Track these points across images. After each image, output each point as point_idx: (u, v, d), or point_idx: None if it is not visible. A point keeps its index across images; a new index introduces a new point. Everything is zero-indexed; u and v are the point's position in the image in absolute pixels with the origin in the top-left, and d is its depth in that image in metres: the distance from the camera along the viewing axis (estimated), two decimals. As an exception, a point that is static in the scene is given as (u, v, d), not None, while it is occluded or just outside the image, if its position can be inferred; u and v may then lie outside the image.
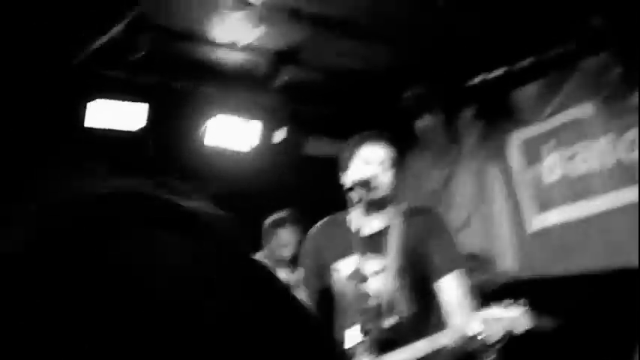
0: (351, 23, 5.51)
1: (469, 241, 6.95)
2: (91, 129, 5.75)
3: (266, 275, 0.64)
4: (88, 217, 0.58)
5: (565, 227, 6.36)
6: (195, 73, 6.15)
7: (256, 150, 6.59)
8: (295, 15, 5.29)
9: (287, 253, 5.25)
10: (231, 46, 5.75)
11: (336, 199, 3.40)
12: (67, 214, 0.59)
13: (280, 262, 5.28)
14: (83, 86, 5.76)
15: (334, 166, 3.45)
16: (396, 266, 3.17)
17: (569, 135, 6.35)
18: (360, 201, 3.12)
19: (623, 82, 5.78)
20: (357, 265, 3.20)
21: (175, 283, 0.56)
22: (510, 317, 2.62)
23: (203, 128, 6.23)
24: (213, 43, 5.71)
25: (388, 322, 3.15)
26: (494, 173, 7.08)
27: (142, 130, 5.97)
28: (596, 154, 6.10)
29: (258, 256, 5.33)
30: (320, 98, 6.78)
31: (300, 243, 5.26)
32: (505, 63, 6.44)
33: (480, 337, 2.65)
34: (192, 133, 6.32)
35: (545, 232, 6.54)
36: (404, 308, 3.17)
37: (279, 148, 6.78)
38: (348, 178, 3.21)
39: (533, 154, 6.67)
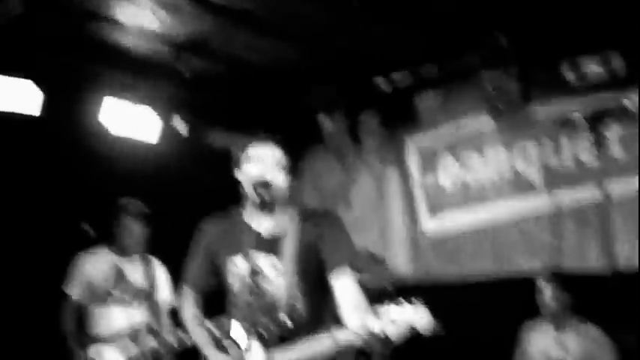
0: (260, 18, 5.49)
1: (365, 241, 7.06)
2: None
3: None
4: None
5: (458, 233, 6.56)
6: (96, 55, 5.99)
7: (158, 139, 6.50)
8: (203, 4, 5.22)
9: (134, 242, 5.20)
10: (137, 31, 5.64)
11: (235, 192, 3.39)
12: None
13: (128, 250, 5.22)
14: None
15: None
16: (292, 264, 3.18)
17: (467, 144, 6.56)
18: (257, 200, 3.12)
19: (519, 97, 6.02)
20: (253, 262, 3.19)
21: None
22: (412, 315, 2.66)
23: (105, 114, 6.09)
24: (118, 27, 5.57)
25: (284, 319, 3.16)
26: (392, 176, 7.23)
27: (41, 113, 5.80)
28: (491, 163, 6.31)
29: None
30: (224, 90, 6.74)
31: (145, 236, 5.26)
32: (409, 69, 6.58)
33: (381, 335, 2.68)
34: (93, 119, 6.17)
35: (438, 237, 6.73)
36: (300, 306, 3.18)
37: (181, 138, 6.71)
38: (245, 176, 3.20)
39: (430, 160, 6.85)
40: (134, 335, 5.06)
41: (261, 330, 3.17)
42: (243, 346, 3.00)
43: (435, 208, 6.78)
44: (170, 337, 4.97)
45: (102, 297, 5.08)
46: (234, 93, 6.80)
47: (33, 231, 5.98)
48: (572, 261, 5.62)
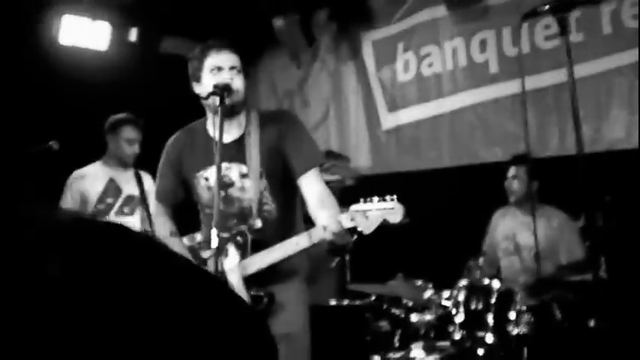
0: None
1: (324, 139, 7.15)
2: None
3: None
4: None
5: (416, 124, 6.65)
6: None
7: (111, 48, 6.41)
8: None
9: (132, 151, 5.23)
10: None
11: (190, 99, 3.41)
12: None
13: (124, 161, 5.26)
14: None
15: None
16: (259, 169, 3.25)
17: (422, 36, 6.56)
18: (218, 107, 3.14)
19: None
20: (221, 171, 3.25)
21: None
22: (384, 208, 2.76)
23: (56, 27, 5.97)
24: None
25: (256, 223, 3.24)
26: (349, 73, 7.24)
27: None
28: (448, 54, 6.35)
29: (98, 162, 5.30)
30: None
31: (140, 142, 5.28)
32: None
33: (356, 229, 2.79)
34: (44, 32, 6.04)
35: (397, 130, 6.82)
36: (270, 209, 3.27)
37: (134, 47, 6.62)
38: (204, 87, 3.21)
39: (387, 54, 6.86)
40: None
41: (235, 236, 3.26)
42: (219, 253, 3.09)
43: (393, 102, 6.85)
44: None
45: (99, 209, 5.17)
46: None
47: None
48: (534, 146, 5.73)
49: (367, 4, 6.87)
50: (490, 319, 4.25)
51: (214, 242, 2.81)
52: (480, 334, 4.24)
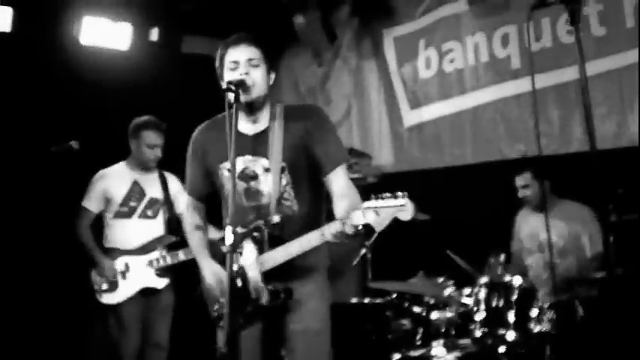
0: None
1: (346, 136, 7.13)
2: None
3: None
4: None
5: (439, 122, 6.61)
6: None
7: (133, 48, 6.43)
8: None
9: (153, 155, 5.23)
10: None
11: (215, 97, 3.40)
12: None
13: (147, 165, 5.27)
14: None
15: (212, 64, 3.43)
16: (281, 164, 3.24)
17: (443, 32, 6.51)
18: (237, 102, 3.12)
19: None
20: (245, 164, 3.24)
21: None
22: (394, 205, 2.74)
23: (78, 27, 6.00)
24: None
25: (274, 219, 3.24)
26: (370, 70, 7.21)
27: (11, 31, 5.72)
28: (469, 50, 6.30)
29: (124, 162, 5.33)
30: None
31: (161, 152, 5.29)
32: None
33: (369, 226, 2.77)
34: (66, 34, 6.08)
35: (419, 127, 6.78)
36: (291, 204, 3.26)
37: (156, 47, 6.64)
38: (224, 83, 3.20)
39: (408, 51, 6.81)
40: (155, 247, 5.20)
41: (252, 231, 3.26)
42: (234, 250, 3.08)
43: (414, 99, 6.81)
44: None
45: (121, 211, 5.18)
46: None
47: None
48: (555, 143, 5.68)
49: (388, 1, 6.84)
50: (511, 316, 4.21)
51: (229, 239, 2.80)
52: (501, 331, 4.20)
